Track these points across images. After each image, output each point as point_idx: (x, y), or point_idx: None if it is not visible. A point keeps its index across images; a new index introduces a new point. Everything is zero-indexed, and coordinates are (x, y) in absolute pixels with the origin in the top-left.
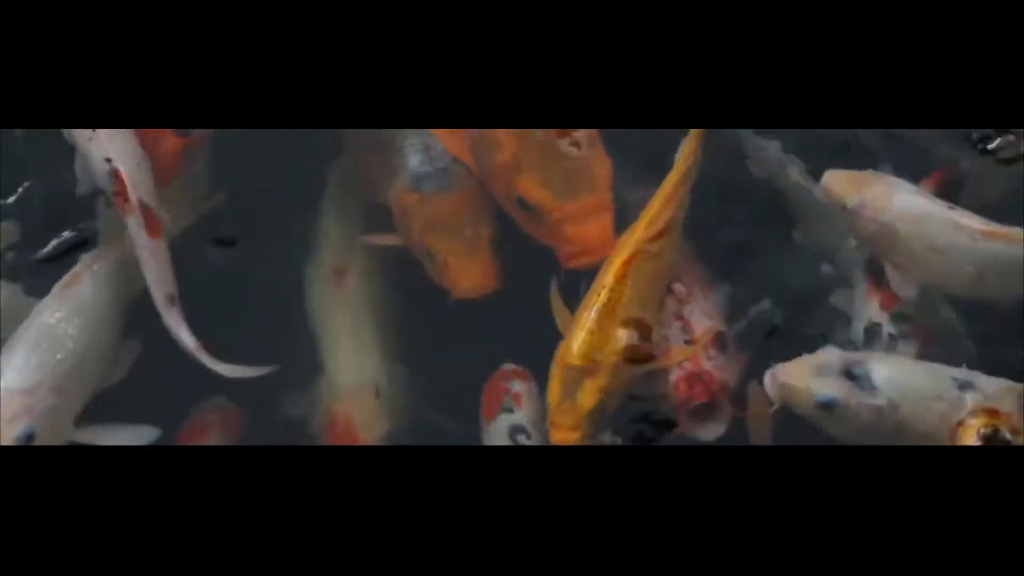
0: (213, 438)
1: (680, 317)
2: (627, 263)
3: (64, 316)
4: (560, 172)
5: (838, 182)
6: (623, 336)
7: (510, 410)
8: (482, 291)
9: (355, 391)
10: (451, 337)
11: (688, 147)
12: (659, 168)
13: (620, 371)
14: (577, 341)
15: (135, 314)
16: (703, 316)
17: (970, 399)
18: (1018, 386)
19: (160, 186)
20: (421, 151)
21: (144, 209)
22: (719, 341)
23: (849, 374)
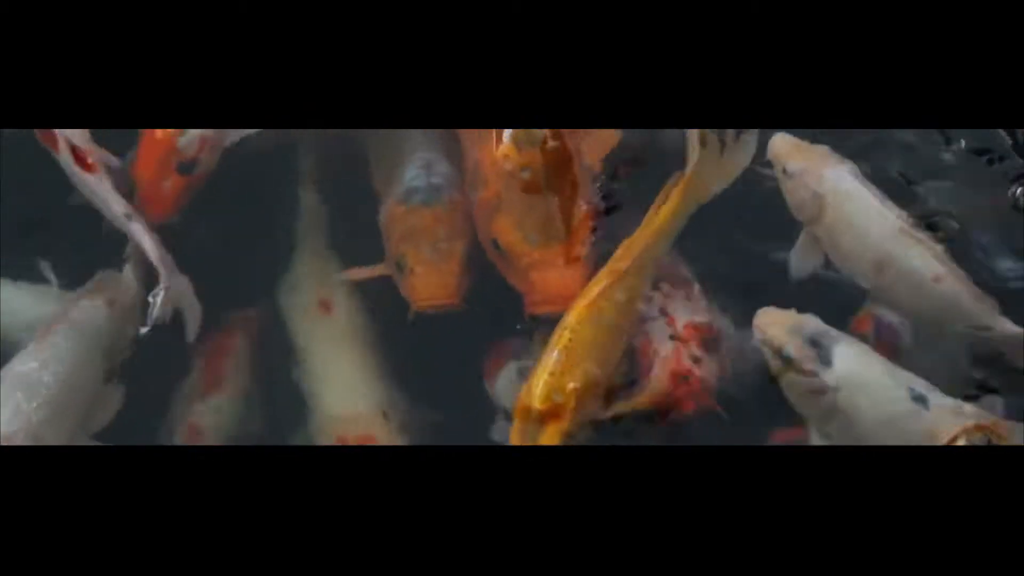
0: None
1: (665, 313)
2: (590, 306)
3: (40, 364)
4: (537, 218)
5: (785, 146)
6: (585, 378)
7: (517, 358)
8: (440, 301)
9: (365, 417)
10: (443, 352)
11: (671, 195)
12: None
13: (582, 413)
14: (538, 383)
15: (121, 359)
16: (687, 313)
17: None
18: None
19: (157, 221)
20: (421, 167)
21: (73, 148)
22: (709, 340)
23: (815, 342)
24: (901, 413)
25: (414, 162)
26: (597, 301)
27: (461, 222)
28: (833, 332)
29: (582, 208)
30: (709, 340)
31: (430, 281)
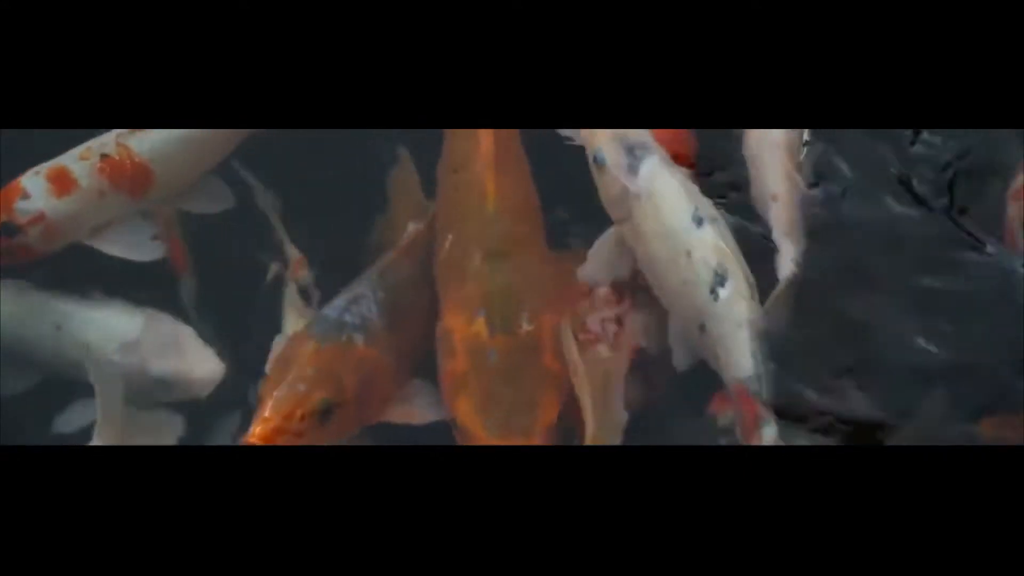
0: None
1: (619, 322)
2: None
3: None
4: (503, 405)
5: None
6: None
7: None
8: (259, 440)
9: None
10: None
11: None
12: None
13: None
14: None
15: None
16: (633, 336)
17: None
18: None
19: None
20: (347, 300)
21: None
22: (638, 359)
23: (630, 152)
24: (675, 228)
25: (347, 293)
26: None
27: (344, 371)
28: (652, 148)
29: (550, 400)
30: (643, 360)
31: (264, 418)
